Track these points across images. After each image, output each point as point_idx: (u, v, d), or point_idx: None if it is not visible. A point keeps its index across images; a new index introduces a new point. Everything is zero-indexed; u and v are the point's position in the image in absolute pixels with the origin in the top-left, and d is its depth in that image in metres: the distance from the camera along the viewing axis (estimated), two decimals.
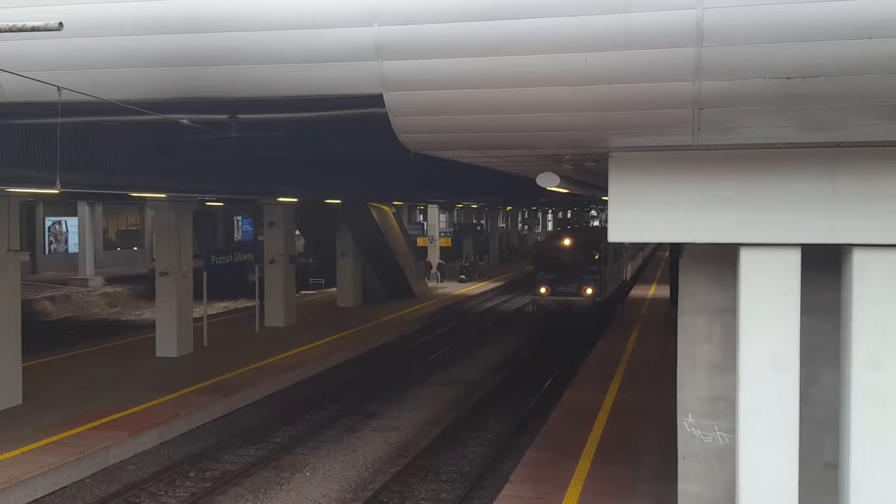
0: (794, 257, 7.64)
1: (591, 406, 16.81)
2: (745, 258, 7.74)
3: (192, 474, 14.48)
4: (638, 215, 7.86)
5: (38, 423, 15.48)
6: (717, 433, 8.81)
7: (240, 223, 58.96)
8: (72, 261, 44.41)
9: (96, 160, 13.03)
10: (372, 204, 32.92)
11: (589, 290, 26.90)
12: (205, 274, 24.63)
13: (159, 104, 7.58)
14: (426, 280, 41.31)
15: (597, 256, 27.47)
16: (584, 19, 5.87)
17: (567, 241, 27.99)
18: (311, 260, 39.42)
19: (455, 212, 65.29)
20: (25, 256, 17.71)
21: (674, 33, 5.80)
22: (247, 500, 13.27)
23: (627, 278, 37.90)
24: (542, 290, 27.32)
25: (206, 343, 23.93)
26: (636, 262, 43.94)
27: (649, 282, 41.96)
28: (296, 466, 14.85)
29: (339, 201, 29.01)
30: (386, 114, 6.85)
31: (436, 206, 46.89)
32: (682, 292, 9.03)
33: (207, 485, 13.85)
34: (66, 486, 13.55)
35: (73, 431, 15.06)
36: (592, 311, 26.96)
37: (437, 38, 6.18)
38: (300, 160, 20.35)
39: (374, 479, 14.16)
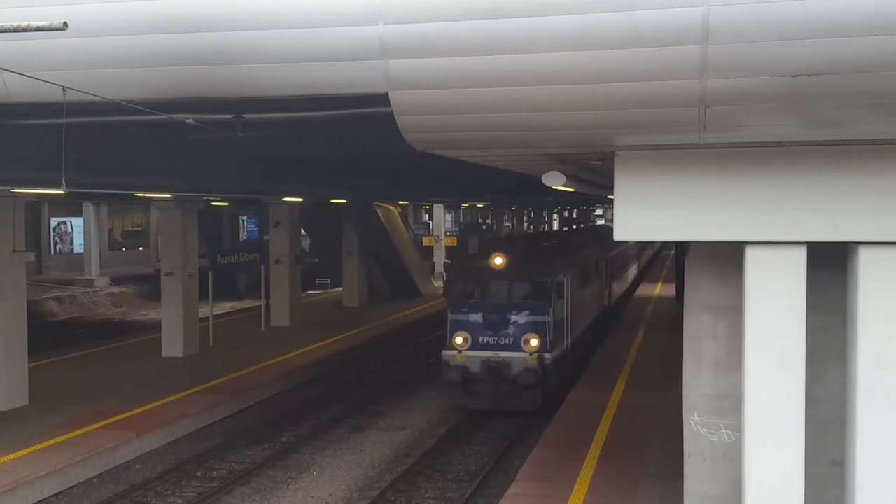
0: (800, 255, 7.63)
1: (597, 404, 16.80)
2: (751, 256, 7.73)
3: (198, 474, 14.51)
4: (643, 214, 7.85)
5: (45, 424, 15.52)
6: (723, 431, 8.79)
7: (245, 223, 59.02)
8: (77, 261, 44.52)
9: (101, 160, 13.05)
10: (377, 203, 32.93)
11: (533, 342, 16.87)
12: (210, 274, 24.67)
13: (164, 104, 7.58)
14: (432, 279, 41.34)
15: (549, 282, 17.56)
16: (590, 17, 5.86)
17: (499, 260, 17.46)
18: (316, 259, 39.49)
19: (460, 211, 65.29)
20: (31, 257, 17.81)
21: (679, 31, 5.79)
22: (253, 500, 13.29)
23: (612, 302, 27.94)
24: (458, 340, 17.14)
25: (211, 343, 23.96)
26: (625, 277, 33.77)
27: (655, 280, 41.91)
28: (302, 466, 14.87)
29: (344, 201, 29.02)
30: (391, 113, 6.85)
31: (441, 205, 46.89)
32: (688, 290, 9.02)
33: (214, 484, 13.87)
34: (73, 486, 13.59)
35: (79, 431, 15.10)
36: (538, 379, 16.86)
37: (443, 37, 6.17)
38: (305, 159, 20.36)
39: (381, 478, 14.17)
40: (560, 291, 18.00)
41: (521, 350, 16.91)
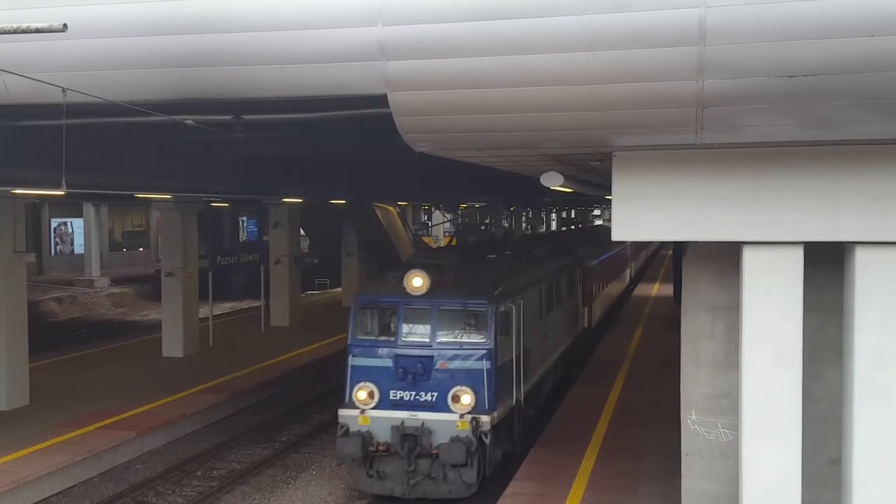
0: (797, 255, 7.66)
1: (596, 403, 16.83)
2: (748, 256, 7.76)
3: (199, 473, 14.54)
4: (641, 214, 7.89)
5: (46, 423, 15.55)
6: (721, 430, 8.83)
7: (245, 224, 59.03)
8: (78, 262, 44.54)
9: (101, 161, 13.09)
10: (377, 204, 32.95)
11: (465, 398, 12.18)
12: (210, 274, 24.70)
13: (164, 105, 7.62)
14: None
15: (491, 310, 12.63)
16: (588, 18, 5.89)
17: (419, 280, 12.51)
18: (316, 260, 39.51)
19: (459, 212, 65.24)
20: (31, 258, 17.85)
21: (677, 32, 5.82)
22: (254, 499, 13.32)
23: (593, 322, 23.36)
24: (361, 395, 12.50)
25: (211, 343, 23.99)
26: (612, 289, 29.03)
27: (653, 280, 41.92)
28: (302, 465, 14.90)
29: (343, 202, 29.05)
30: (390, 114, 6.88)
31: (440, 206, 46.91)
32: (686, 290, 9.05)
33: (215, 483, 13.91)
34: (73, 486, 13.62)
35: (80, 431, 15.12)
36: (472, 453, 12.02)
37: (441, 38, 6.20)
38: (305, 160, 20.40)
39: None
40: (506, 323, 13.02)
41: (447, 410, 12.14)
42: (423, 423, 12.18)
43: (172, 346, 22.61)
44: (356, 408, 12.46)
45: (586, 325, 22.33)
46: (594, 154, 8.30)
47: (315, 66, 6.64)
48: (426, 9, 6.17)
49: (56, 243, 46.34)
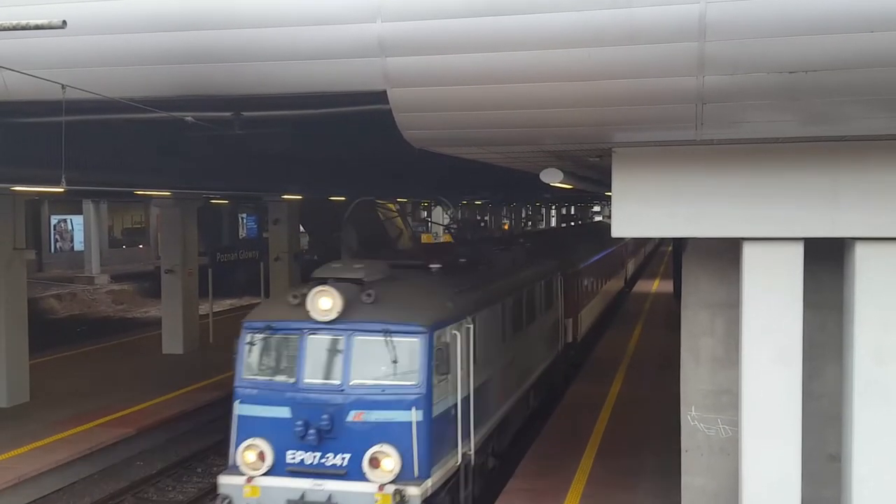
0: (797, 251, 7.66)
1: (596, 399, 16.83)
2: (748, 252, 7.76)
3: (199, 470, 14.56)
4: (641, 210, 7.88)
5: (46, 420, 15.56)
6: (721, 426, 8.83)
7: (245, 220, 59.03)
8: (77, 259, 44.55)
9: (101, 158, 13.08)
10: (376, 201, 32.95)
11: (388, 462, 9.31)
12: (210, 271, 24.70)
13: (163, 102, 7.61)
14: None
15: (425, 340, 9.67)
16: (587, 14, 5.89)
17: (327, 301, 9.67)
18: (315, 256, 39.47)
19: (459, 208, 65.23)
20: (31, 255, 17.81)
21: (677, 28, 5.81)
22: None
23: (579, 335, 20.59)
24: (249, 456, 9.59)
25: (212, 340, 24.00)
26: (603, 295, 26.19)
27: (653, 276, 41.93)
28: None
29: (343, 198, 29.04)
30: (390, 110, 6.88)
31: (440, 202, 46.90)
32: (686, 287, 9.05)
33: (215, 480, 13.92)
34: (74, 483, 13.63)
35: (80, 428, 15.13)
36: None
37: (440, 35, 6.20)
38: (304, 157, 20.39)
39: None
40: (447, 357, 9.78)
41: (363, 479, 9.24)
42: (329, 497, 9.14)
43: (172, 342, 22.62)
44: (242, 474, 9.46)
45: (570, 339, 19.50)
46: (594, 150, 8.30)
47: (314, 62, 6.63)
48: (425, 5, 6.17)
49: (56, 240, 46.35)
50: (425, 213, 56.24)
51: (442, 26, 6.15)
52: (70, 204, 43.54)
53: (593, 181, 12.84)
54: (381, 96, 6.76)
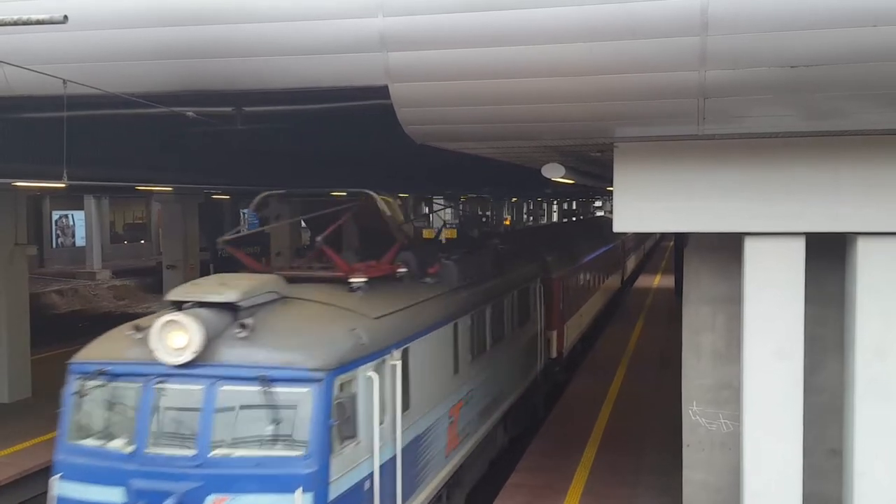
0: (799, 246, 7.65)
1: (597, 395, 16.84)
2: (750, 247, 7.75)
3: None
4: (643, 205, 7.87)
5: (48, 415, 15.56)
6: (722, 421, 8.83)
7: (246, 216, 59.04)
8: (79, 254, 44.55)
9: (102, 153, 13.07)
10: (378, 196, 32.94)
11: None
12: (211, 266, 24.74)
13: (165, 97, 7.61)
14: None
15: (330, 389, 6.92)
16: (589, 8, 5.88)
17: (181, 338, 6.88)
18: None
19: (461, 203, 65.22)
20: (33, 250, 17.81)
21: (679, 22, 5.81)
22: None
23: (564, 349, 18.27)
24: None
25: None
26: (597, 297, 24.24)
27: (654, 272, 41.90)
28: None
29: (344, 193, 29.03)
30: (391, 105, 6.87)
31: (441, 197, 46.89)
32: (687, 282, 9.04)
33: None
34: None
35: None
36: None
37: (442, 29, 6.19)
38: (306, 152, 20.39)
39: None
40: (350, 411, 7.20)
41: None
42: None
43: None
44: None
45: (553, 355, 17.30)
46: (595, 145, 8.29)
47: (316, 57, 6.63)
48: (427, 0, 6.16)
49: (57, 236, 46.36)
50: (426, 208, 56.23)
51: (443, 21, 6.15)
52: (71, 199, 43.53)
53: (595, 176, 12.83)
54: (382, 91, 6.75)
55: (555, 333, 17.39)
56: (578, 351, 20.69)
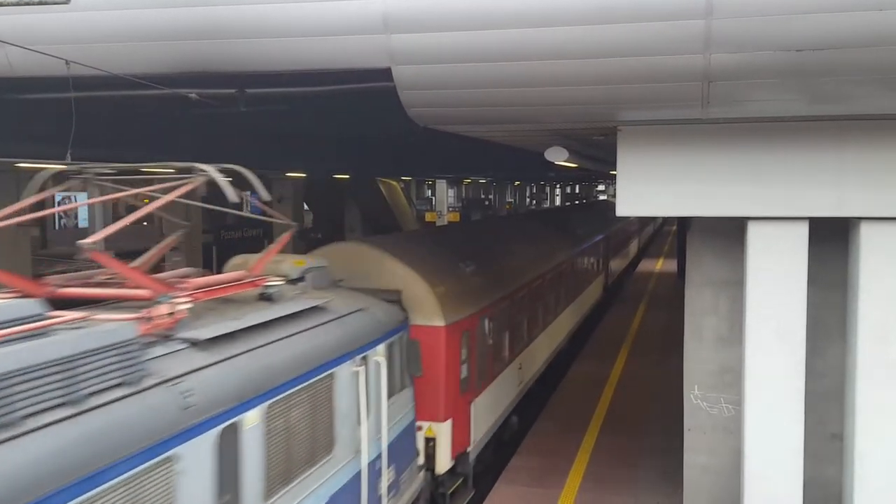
0: (802, 230, 7.65)
1: (599, 378, 16.89)
2: (753, 231, 7.74)
3: None
4: (646, 189, 7.86)
5: None
6: (723, 405, 8.86)
7: (248, 198, 59.05)
8: (82, 236, 44.45)
9: (105, 135, 13.05)
10: (380, 179, 32.91)
11: None
12: (214, 248, 24.75)
13: (167, 78, 7.59)
14: None
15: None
16: None
17: None
18: (319, 235, 39.48)
19: (463, 187, 65.19)
20: (35, 231, 17.81)
21: (683, 5, 5.77)
22: None
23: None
24: None
25: None
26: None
27: (656, 256, 41.89)
28: None
29: (347, 176, 29.01)
30: (394, 88, 6.85)
31: (444, 180, 46.85)
32: (690, 265, 9.04)
33: None
34: None
35: None
36: None
37: (445, 11, 6.16)
38: (308, 134, 20.34)
39: None
40: None
41: None
42: None
43: None
44: None
45: (442, 466, 10.41)
46: (599, 129, 8.26)
47: (318, 38, 6.60)
48: None
49: (60, 217, 46.38)
50: (429, 191, 56.17)
51: (447, 3, 6.11)
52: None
53: (598, 160, 12.80)
54: (385, 73, 6.72)
55: (446, 426, 10.47)
56: (516, 431, 13.70)
